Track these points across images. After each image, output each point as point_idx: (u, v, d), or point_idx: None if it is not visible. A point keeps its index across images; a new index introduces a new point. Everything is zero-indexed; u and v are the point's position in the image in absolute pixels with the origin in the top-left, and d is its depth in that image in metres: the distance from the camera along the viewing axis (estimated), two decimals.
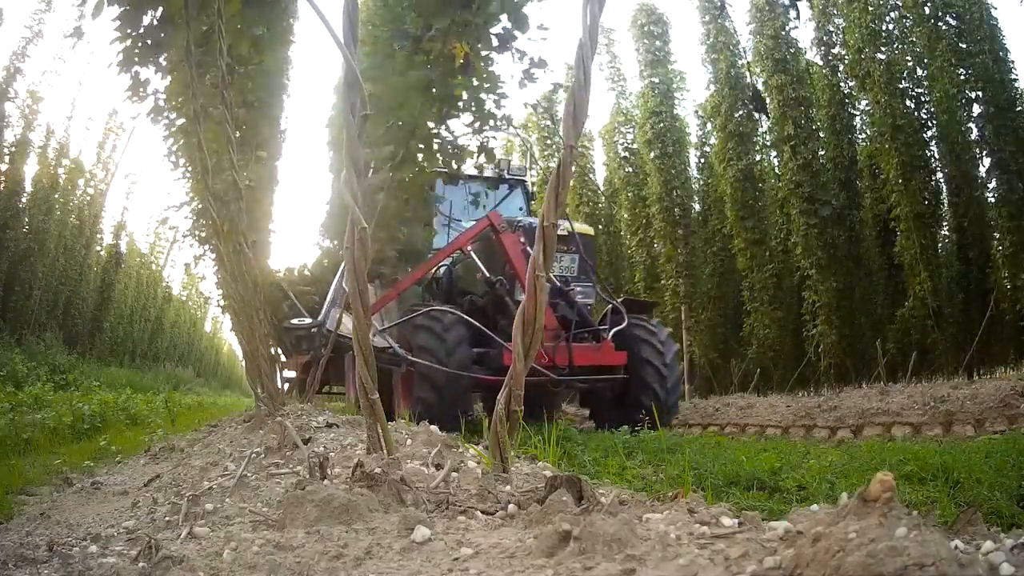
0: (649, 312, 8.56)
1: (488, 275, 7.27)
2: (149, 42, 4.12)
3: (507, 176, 9.16)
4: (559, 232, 7.87)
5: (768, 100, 12.94)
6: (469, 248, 7.44)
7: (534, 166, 12.75)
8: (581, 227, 8.21)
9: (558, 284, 7.42)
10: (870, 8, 11.42)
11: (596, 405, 8.28)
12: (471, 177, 8.26)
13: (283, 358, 10.53)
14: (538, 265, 2.09)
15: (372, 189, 5.71)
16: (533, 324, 2.10)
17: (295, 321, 8.02)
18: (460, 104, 6.13)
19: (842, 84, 12.56)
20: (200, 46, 4.09)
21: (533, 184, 10.09)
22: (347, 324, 6.67)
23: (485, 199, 8.30)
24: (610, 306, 7.94)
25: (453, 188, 8.27)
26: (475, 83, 6.00)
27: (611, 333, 7.38)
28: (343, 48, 2.16)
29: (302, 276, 9.22)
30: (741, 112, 13.64)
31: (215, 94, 4.21)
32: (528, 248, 6.90)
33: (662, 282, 15.39)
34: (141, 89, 4.69)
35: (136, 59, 4.26)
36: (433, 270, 7.95)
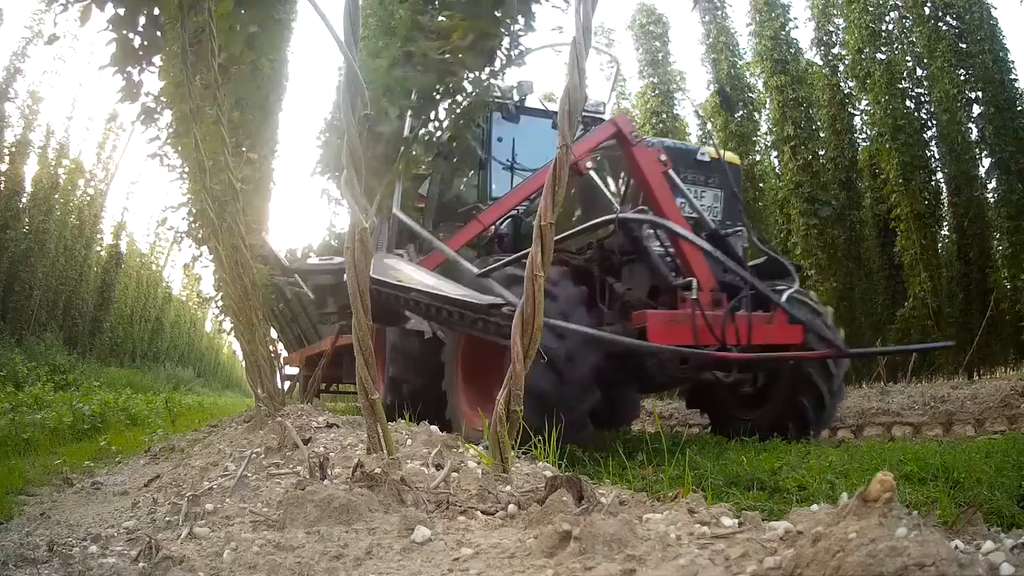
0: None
1: (621, 210, 4.91)
2: (144, 43, 4.11)
3: (582, 112, 7.36)
4: (698, 158, 5.60)
5: (768, 100, 12.94)
6: (590, 166, 5.28)
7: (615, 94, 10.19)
8: (728, 155, 6.05)
9: (712, 226, 5.29)
10: (870, 8, 11.42)
11: (721, 406, 5.86)
12: (534, 111, 6.65)
13: (284, 353, 10.05)
14: (536, 264, 2.08)
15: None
16: (532, 324, 2.09)
17: (318, 260, 6.34)
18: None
19: (842, 84, 12.57)
20: (194, 46, 4.09)
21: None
22: (403, 271, 5.00)
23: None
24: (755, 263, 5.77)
25: (515, 126, 6.52)
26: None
27: (785, 297, 5.06)
28: (344, 48, 2.16)
29: (305, 259, 8.74)
30: (741, 112, 13.65)
31: (209, 94, 4.21)
32: (672, 174, 5.14)
33: None
34: (135, 90, 4.68)
35: (130, 60, 4.25)
36: (498, 223, 5.87)
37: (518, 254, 4.82)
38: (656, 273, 4.99)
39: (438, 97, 4.87)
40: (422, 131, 5.04)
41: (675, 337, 4.63)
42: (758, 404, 5.50)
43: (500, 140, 6.59)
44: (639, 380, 5.02)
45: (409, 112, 4.71)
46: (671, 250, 5.06)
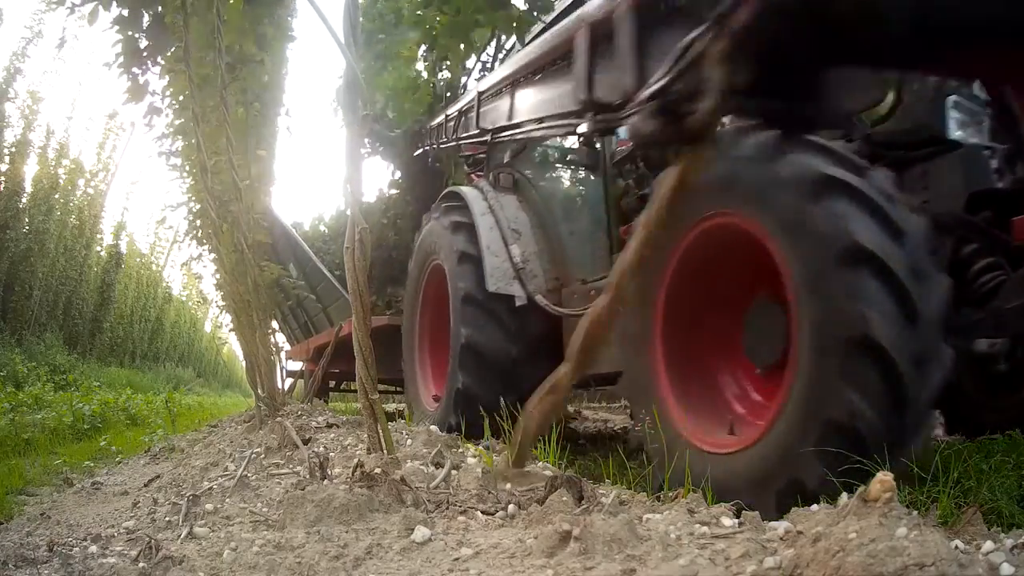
0: None
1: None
2: (150, 43, 4.12)
3: None
4: None
5: None
6: None
7: None
8: None
9: None
10: None
11: (962, 391, 3.72)
12: None
13: (288, 346, 9.29)
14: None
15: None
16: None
17: None
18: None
19: None
20: (200, 45, 4.09)
21: None
22: None
23: None
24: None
25: None
26: None
27: None
28: (344, 49, 2.16)
29: (316, 233, 8.30)
30: None
31: (214, 94, 4.21)
32: None
33: None
34: (141, 90, 4.68)
35: (136, 61, 4.26)
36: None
37: None
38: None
39: None
40: None
41: None
42: (1014, 388, 3.65)
43: None
44: None
45: None
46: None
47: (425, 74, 6.11)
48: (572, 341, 2.03)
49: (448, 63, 5.77)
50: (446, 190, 5.19)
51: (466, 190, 4.89)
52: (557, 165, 5.06)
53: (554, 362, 3.70)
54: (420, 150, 6.20)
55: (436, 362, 5.05)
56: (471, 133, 4.71)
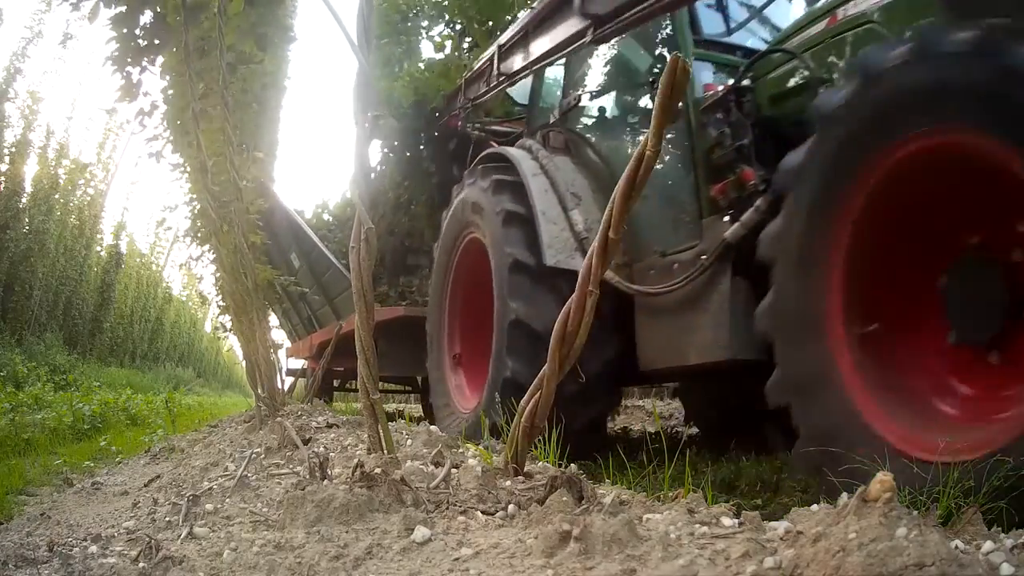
0: None
1: None
2: (144, 42, 4.11)
3: None
4: None
5: None
6: None
7: None
8: None
9: None
10: None
11: None
12: None
13: (288, 343, 9.20)
14: (594, 277, 1.90)
15: None
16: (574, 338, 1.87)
17: None
18: None
19: None
20: (199, 46, 4.09)
21: None
22: None
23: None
24: None
25: None
26: None
27: None
28: (356, 50, 2.16)
29: (319, 222, 8.05)
30: None
31: (213, 93, 4.21)
32: None
33: None
34: (133, 90, 4.67)
35: (129, 59, 4.24)
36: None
37: None
38: None
39: None
40: None
41: None
42: None
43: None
44: None
45: None
46: None
47: (451, 50, 6.09)
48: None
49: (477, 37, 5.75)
50: (484, 152, 4.55)
51: (511, 150, 4.27)
52: (619, 122, 4.20)
53: (624, 349, 3.44)
54: (447, 116, 5.74)
55: (470, 357, 4.52)
56: (548, 49, 3.80)
